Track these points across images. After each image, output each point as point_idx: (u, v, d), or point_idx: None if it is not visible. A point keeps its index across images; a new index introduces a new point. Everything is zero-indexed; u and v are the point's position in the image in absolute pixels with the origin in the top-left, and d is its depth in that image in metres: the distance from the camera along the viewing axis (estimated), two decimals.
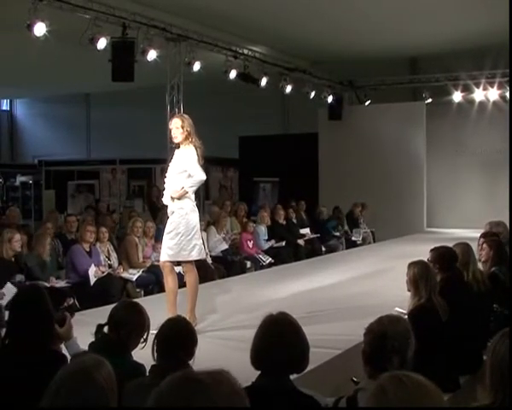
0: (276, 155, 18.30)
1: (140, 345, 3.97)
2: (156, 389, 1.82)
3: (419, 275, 5.17)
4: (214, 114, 19.60)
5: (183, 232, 6.56)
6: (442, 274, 5.79)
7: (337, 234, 14.89)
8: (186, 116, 6.82)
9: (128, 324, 3.91)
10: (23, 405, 3.36)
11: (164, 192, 6.73)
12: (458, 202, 17.44)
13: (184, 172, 6.53)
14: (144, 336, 3.97)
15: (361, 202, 16.03)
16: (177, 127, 6.51)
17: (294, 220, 14.39)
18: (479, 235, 7.56)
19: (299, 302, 7.86)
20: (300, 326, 3.32)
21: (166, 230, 6.66)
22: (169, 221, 6.65)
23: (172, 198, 6.55)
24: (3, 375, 3.55)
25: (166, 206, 6.74)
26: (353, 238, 15.19)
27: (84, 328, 4.57)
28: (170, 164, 6.71)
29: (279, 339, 3.18)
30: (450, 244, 6.44)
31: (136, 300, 6.54)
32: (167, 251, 6.62)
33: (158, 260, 10.14)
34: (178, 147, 6.62)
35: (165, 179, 6.73)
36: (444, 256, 5.96)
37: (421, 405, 1.97)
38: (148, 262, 10.03)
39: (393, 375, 2.08)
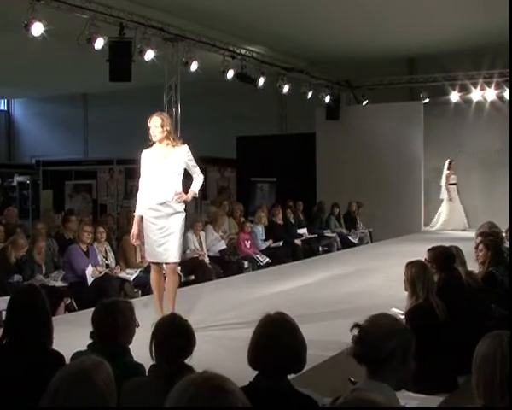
0: (273, 155, 18.31)
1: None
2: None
3: (416, 275, 5.17)
4: (212, 114, 19.62)
5: (182, 233, 6.67)
6: (440, 274, 5.79)
7: (329, 234, 14.82)
8: (166, 115, 6.87)
9: (112, 326, 3.82)
10: (21, 405, 3.36)
11: (158, 190, 6.52)
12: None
13: (183, 171, 6.54)
14: (135, 326, 3.93)
15: (356, 200, 16.03)
16: (157, 126, 6.49)
17: (292, 220, 14.40)
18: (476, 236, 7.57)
19: (297, 302, 7.87)
20: (298, 326, 3.32)
21: (169, 230, 6.52)
22: (169, 222, 6.53)
23: (179, 200, 6.51)
24: (2, 375, 3.54)
25: (161, 204, 6.53)
26: (351, 239, 15.19)
27: (82, 328, 4.56)
28: (152, 162, 6.53)
29: (276, 339, 3.18)
30: (448, 244, 6.45)
31: (133, 300, 6.52)
32: (173, 253, 6.57)
33: None
34: (151, 145, 6.59)
35: (156, 178, 6.52)
36: (441, 256, 5.95)
37: None
38: (145, 262, 10.02)
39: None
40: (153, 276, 6.77)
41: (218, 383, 1.93)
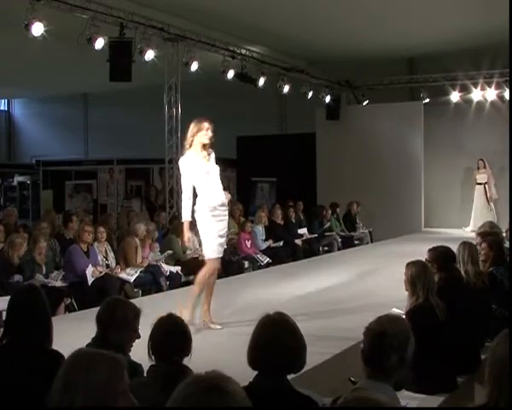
0: (273, 155, 18.30)
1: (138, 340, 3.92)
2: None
3: (417, 275, 5.16)
4: (212, 114, 19.37)
5: None
6: (440, 274, 5.78)
7: (328, 233, 14.81)
8: None
9: (112, 324, 3.84)
10: (21, 405, 3.36)
11: (217, 193, 6.99)
12: (456, 202, 17.46)
13: None
14: (135, 331, 3.91)
15: (355, 200, 15.99)
16: (212, 131, 6.87)
17: (292, 220, 14.39)
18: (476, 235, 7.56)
19: (297, 302, 7.87)
20: (297, 326, 3.32)
21: (223, 228, 6.99)
22: (222, 219, 6.96)
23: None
24: (1, 375, 3.54)
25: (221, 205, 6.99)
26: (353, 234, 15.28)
27: (82, 328, 4.56)
28: (200, 168, 6.83)
29: (276, 339, 3.17)
30: (448, 244, 6.44)
31: (133, 300, 6.51)
32: (221, 249, 7.06)
33: (156, 260, 10.17)
34: (186, 152, 6.89)
35: (211, 182, 6.96)
36: (441, 256, 5.95)
37: None
38: (145, 262, 10.01)
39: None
40: (214, 275, 7.10)
41: (218, 383, 1.93)
